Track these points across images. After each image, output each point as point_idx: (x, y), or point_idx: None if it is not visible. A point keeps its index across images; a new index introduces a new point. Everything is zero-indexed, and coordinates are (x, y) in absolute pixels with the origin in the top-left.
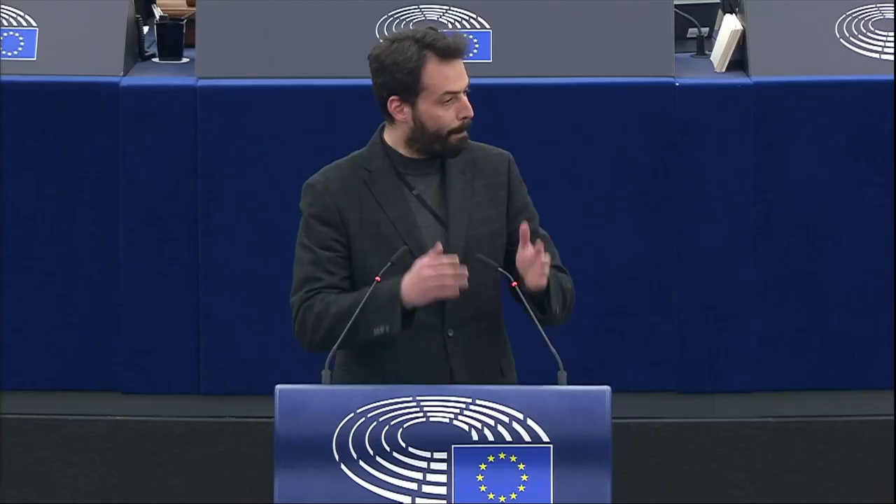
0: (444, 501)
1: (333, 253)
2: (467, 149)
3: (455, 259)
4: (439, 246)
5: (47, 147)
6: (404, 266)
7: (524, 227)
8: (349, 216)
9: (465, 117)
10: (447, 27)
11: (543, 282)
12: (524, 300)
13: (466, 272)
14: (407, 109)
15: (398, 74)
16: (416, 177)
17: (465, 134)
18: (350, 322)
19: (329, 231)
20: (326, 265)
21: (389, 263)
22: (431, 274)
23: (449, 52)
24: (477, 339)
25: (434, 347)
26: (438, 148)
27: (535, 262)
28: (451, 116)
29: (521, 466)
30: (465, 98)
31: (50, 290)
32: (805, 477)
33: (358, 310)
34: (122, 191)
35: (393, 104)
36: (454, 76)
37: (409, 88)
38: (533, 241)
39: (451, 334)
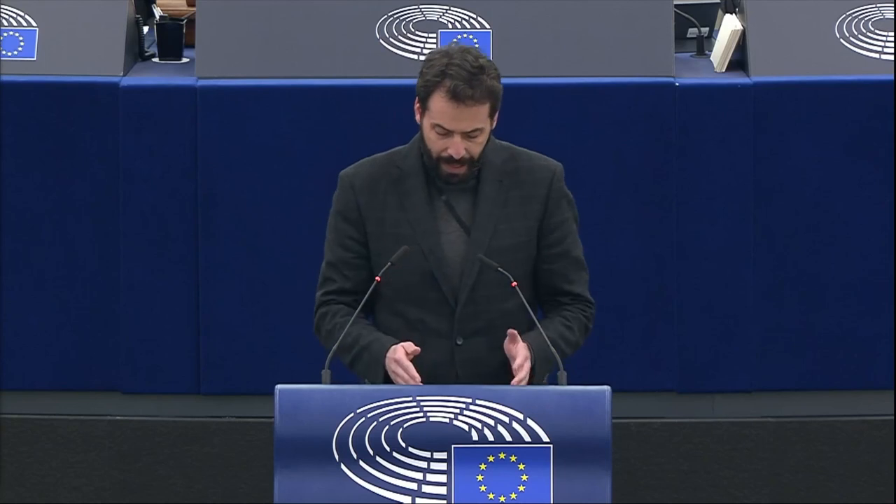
0: (444, 501)
1: (350, 254)
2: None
3: (415, 375)
4: (410, 346)
5: (47, 147)
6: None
7: (511, 332)
8: (370, 215)
9: (449, 157)
10: (447, 27)
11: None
12: (524, 301)
13: (419, 379)
14: (419, 117)
15: (421, 82)
16: (449, 182)
17: (460, 168)
18: (348, 359)
19: (348, 228)
20: (341, 267)
21: (389, 263)
22: (392, 369)
23: (451, 94)
24: (490, 349)
25: (441, 354)
26: (434, 170)
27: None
28: (440, 147)
29: (521, 466)
30: (457, 138)
31: (50, 290)
32: (805, 477)
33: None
34: (122, 190)
35: (416, 105)
36: (451, 115)
37: (423, 101)
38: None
39: (459, 342)
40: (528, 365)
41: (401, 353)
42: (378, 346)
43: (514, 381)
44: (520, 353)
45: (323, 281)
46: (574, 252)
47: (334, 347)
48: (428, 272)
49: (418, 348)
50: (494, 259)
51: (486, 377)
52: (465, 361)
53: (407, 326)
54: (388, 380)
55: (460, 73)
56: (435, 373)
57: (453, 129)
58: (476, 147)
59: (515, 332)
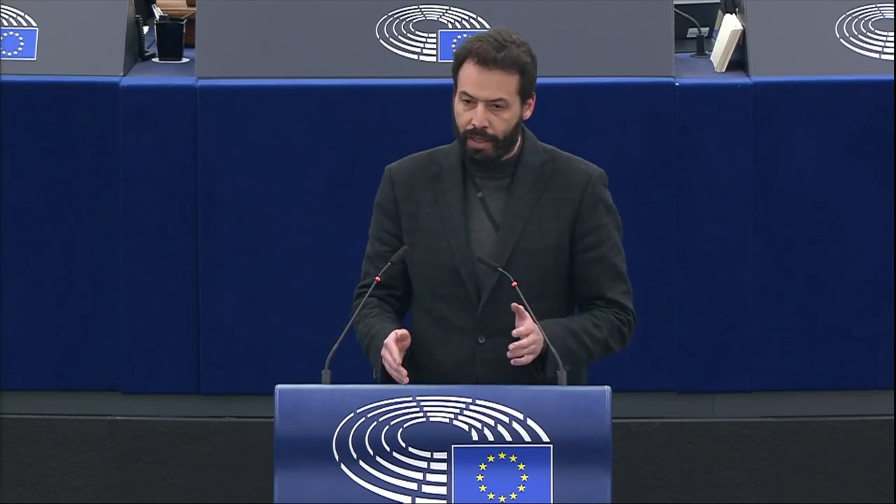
0: (444, 501)
1: (385, 247)
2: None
3: (397, 358)
4: (399, 334)
5: (47, 147)
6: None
7: (514, 306)
8: (406, 209)
9: (473, 128)
10: (447, 27)
11: (518, 363)
12: (524, 301)
13: (406, 377)
14: (454, 98)
15: (454, 62)
16: (485, 179)
17: (483, 143)
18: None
19: (385, 221)
20: (377, 261)
21: (389, 263)
22: (382, 354)
23: (477, 58)
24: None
25: (463, 352)
26: (463, 148)
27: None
28: (466, 118)
29: (521, 466)
30: (481, 107)
31: (50, 290)
32: (805, 477)
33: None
34: (122, 190)
35: (453, 91)
36: (476, 81)
37: (454, 74)
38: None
39: (481, 341)
40: (532, 347)
41: (390, 338)
42: (381, 338)
43: (509, 353)
44: (523, 330)
45: (363, 274)
46: (611, 259)
47: (338, 340)
48: (454, 269)
49: (406, 338)
50: (520, 259)
51: (506, 378)
52: (485, 361)
53: (433, 323)
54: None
55: (490, 41)
56: (457, 371)
57: (477, 95)
58: (500, 123)
59: (519, 307)
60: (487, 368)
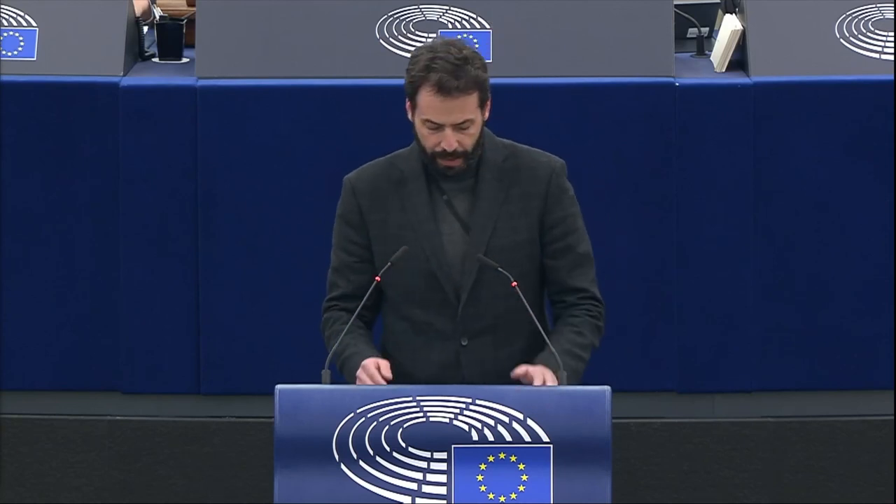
0: (444, 501)
1: (353, 257)
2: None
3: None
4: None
5: (47, 147)
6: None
7: (515, 374)
8: (372, 218)
9: (443, 151)
10: (447, 27)
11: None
12: (524, 302)
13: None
14: (411, 115)
15: (407, 80)
16: (449, 181)
17: (454, 161)
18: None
19: (351, 232)
20: (345, 272)
21: (389, 264)
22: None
23: (437, 87)
24: (496, 349)
25: (447, 355)
26: (431, 165)
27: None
28: (433, 142)
29: (521, 466)
30: (448, 131)
31: (50, 290)
32: (805, 477)
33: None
34: (122, 191)
35: (407, 104)
36: (439, 109)
37: (411, 98)
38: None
39: (464, 343)
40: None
41: (370, 364)
42: (355, 360)
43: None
44: (536, 378)
45: (329, 286)
46: (579, 248)
47: (330, 355)
48: (431, 274)
49: (389, 376)
50: (495, 258)
51: (492, 378)
52: (471, 362)
53: (413, 329)
54: None
55: (445, 66)
56: (442, 374)
57: (443, 122)
58: (468, 139)
59: (520, 371)
60: (473, 369)
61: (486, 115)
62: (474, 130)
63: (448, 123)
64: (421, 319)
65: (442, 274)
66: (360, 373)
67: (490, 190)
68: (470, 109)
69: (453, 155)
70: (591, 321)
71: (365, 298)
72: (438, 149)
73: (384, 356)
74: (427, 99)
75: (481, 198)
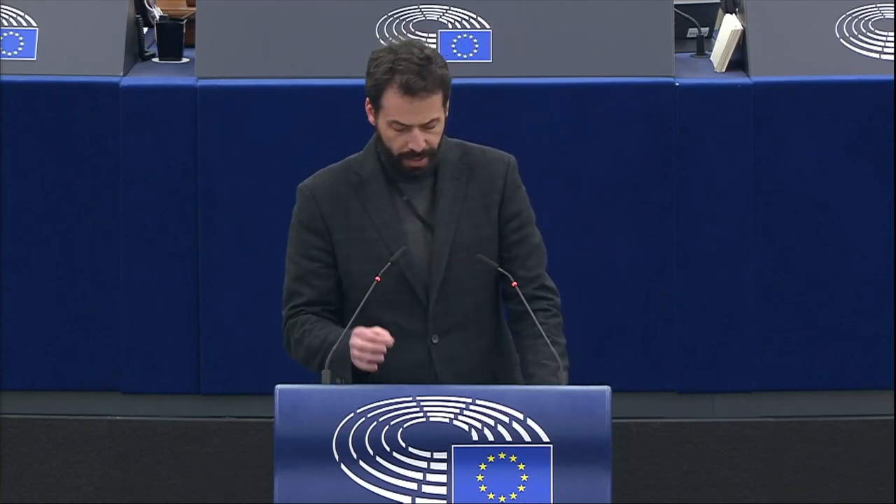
0: (444, 501)
1: (316, 263)
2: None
3: (381, 347)
4: (379, 333)
5: (47, 147)
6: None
7: None
8: (334, 223)
9: (412, 150)
10: (447, 27)
11: None
12: (524, 302)
13: (382, 357)
14: (373, 118)
15: (370, 82)
16: (407, 182)
17: (421, 161)
18: (316, 363)
19: (313, 238)
20: (309, 278)
21: (389, 263)
22: (356, 347)
23: (404, 88)
24: (466, 345)
25: (418, 354)
26: (395, 167)
27: None
28: (401, 143)
29: (521, 466)
30: (416, 132)
31: (50, 290)
32: (805, 477)
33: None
34: (122, 191)
35: (367, 107)
36: (406, 110)
37: (375, 100)
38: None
39: (435, 341)
40: None
41: (364, 329)
42: (341, 336)
43: None
44: None
45: (289, 296)
46: (533, 240)
47: (338, 341)
48: (399, 274)
49: (389, 340)
50: (461, 255)
51: (464, 375)
52: (442, 360)
53: None
54: (357, 371)
55: (409, 67)
56: (413, 374)
57: (411, 122)
58: (435, 138)
59: None
60: (445, 367)
61: (447, 112)
62: (440, 129)
63: (415, 124)
64: (389, 320)
65: (411, 274)
66: (354, 339)
67: (450, 188)
68: (436, 108)
69: (421, 154)
70: (552, 323)
71: (366, 297)
72: (406, 149)
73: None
74: (393, 100)
75: (442, 196)
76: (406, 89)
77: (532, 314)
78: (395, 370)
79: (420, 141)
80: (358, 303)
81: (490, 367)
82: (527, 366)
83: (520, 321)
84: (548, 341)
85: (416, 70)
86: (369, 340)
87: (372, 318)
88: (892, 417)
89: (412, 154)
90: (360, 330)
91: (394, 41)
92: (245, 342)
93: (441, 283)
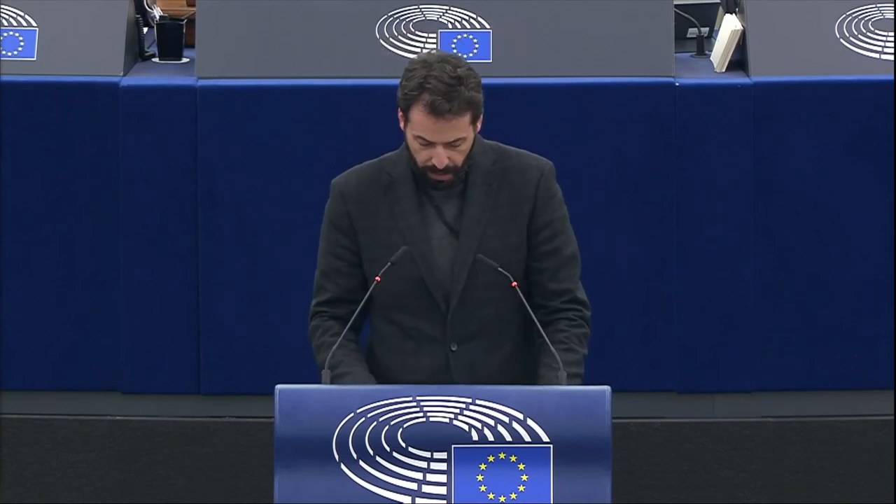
0: (444, 501)
1: (341, 262)
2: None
3: None
4: None
5: (47, 147)
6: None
7: None
8: (361, 224)
9: (433, 166)
10: (447, 27)
11: None
12: (524, 301)
13: None
14: (403, 126)
15: (401, 93)
16: (436, 188)
17: (445, 175)
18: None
19: (340, 237)
20: (334, 276)
21: (389, 263)
22: None
23: (430, 108)
24: (485, 353)
25: (437, 360)
26: (422, 176)
27: None
28: (425, 156)
29: (521, 466)
30: (440, 149)
31: (50, 290)
32: (805, 477)
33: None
34: (122, 191)
35: (399, 114)
36: (431, 129)
37: (404, 111)
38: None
39: (454, 348)
40: None
41: None
42: (347, 382)
43: None
44: None
45: (316, 290)
46: (566, 251)
47: (325, 364)
48: (420, 279)
49: None
50: (485, 264)
51: (482, 382)
52: (460, 367)
53: (401, 334)
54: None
55: (438, 87)
56: (431, 379)
57: (434, 140)
58: (459, 156)
59: None
60: (463, 375)
61: (479, 126)
62: (465, 147)
63: (440, 142)
64: (410, 324)
65: (430, 279)
66: None
67: (479, 195)
68: (462, 129)
69: (444, 171)
70: (576, 332)
71: (366, 297)
72: (429, 164)
73: (371, 358)
74: (419, 118)
75: (470, 203)
76: (432, 109)
77: (555, 323)
78: (413, 374)
79: (443, 158)
80: (381, 303)
81: (511, 375)
82: (538, 368)
83: (545, 328)
84: (563, 347)
85: (444, 91)
86: None
87: (393, 321)
88: (892, 417)
89: (435, 169)
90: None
91: (433, 51)
92: (245, 342)
93: (462, 291)
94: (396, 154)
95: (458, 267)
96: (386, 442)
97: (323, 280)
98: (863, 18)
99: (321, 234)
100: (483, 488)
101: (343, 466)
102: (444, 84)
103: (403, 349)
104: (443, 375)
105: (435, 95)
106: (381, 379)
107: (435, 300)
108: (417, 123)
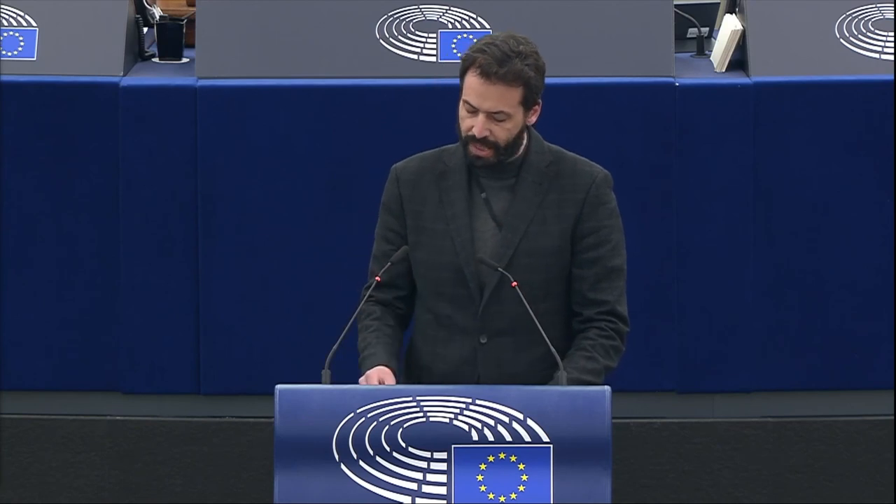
0: (444, 501)
1: (390, 246)
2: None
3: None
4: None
5: (47, 147)
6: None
7: None
8: (411, 208)
9: (472, 132)
10: (447, 27)
11: None
12: (524, 301)
13: None
14: (459, 100)
15: (461, 58)
16: (490, 179)
17: (483, 150)
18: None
19: (391, 220)
20: (383, 261)
21: (389, 263)
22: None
23: (480, 70)
24: (514, 351)
25: (465, 351)
26: (465, 152)
27: None
28: (467, 125)
29: (521, 466)
30: (481, 116)
31: (50, 290)
32: (805, 477)
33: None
34: (122, 191)
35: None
36: (478, 92)
37: (461, 78)
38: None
39: (483, 341)
40: None
41: (373, 376)
42: (367, 364)
43: None
44: None
45: (369, 273)
46: (610, 261)
47: (338, 341)
48: (458, 268)
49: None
50: (522, 260)
51: (508, 379)
52: (486, 361)
53: (436, 322)
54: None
55: (494, 52)
56: (458, 370)
57: (478, 106)
58: (501, 132)
59: None
60: (489, 369)
61: (533, 118)
62: (510, 125)
63: (483, 109)
64: (445, 313)
65: (468, 270)
66: (362, 380)
67: (528, 192)
68: (508, 102)
69: (483, 143)
70: (603, 342)
71: (366, 297)
72: (470, 133)
73: (412, 345)
74: (470, 80)
75: (518, 198)
76: (481, 71)
77: (585, 331)
78: (442, 362)
79: (482, 127)
80: (424, 291)
81: (540, 376)
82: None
83: (576, 336)
84: (584, 355)
85: (499, 57)
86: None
87: (430, 309)
88: (892, 417)
89: (474, 139)
90: (370, 375)
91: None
92: (245, 342)
93: (496, 284)
94: (455, 146)
95: (496, 259)
96: (386, 442)
97: (374, 264)
98: (863, 18)
99: (378, 216)
100: (483, 488)
101: (343, 466)
102: (501, 52)
103: (436, 338)
104: (469, 368)
105: (489, 58)
106: (414, 366)
107: (470, 290)
108: (467, 86)
